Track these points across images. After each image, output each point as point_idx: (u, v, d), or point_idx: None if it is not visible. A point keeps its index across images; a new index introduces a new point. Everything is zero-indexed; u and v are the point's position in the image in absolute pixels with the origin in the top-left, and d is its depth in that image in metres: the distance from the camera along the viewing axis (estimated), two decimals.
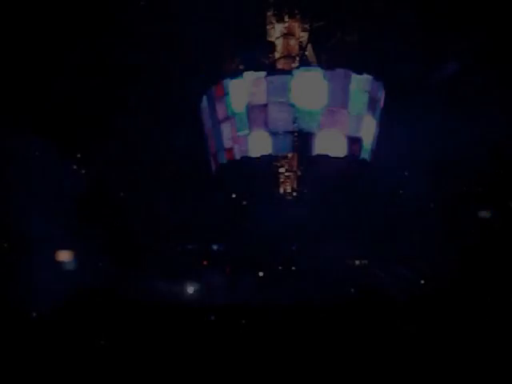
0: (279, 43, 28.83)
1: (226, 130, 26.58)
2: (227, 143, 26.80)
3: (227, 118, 26.35)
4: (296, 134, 24.78)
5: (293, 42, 28.76)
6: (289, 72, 25.19)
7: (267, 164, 28.77)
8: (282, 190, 30.49)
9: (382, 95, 26.29)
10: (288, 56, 28.59)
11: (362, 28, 27.43)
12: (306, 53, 28.85)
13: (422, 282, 25.87)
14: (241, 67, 28.52)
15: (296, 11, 28.15)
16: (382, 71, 26.87)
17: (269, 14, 28.03)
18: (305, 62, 28.25)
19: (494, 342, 14.63)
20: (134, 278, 21.69)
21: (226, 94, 26.19)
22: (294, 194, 29.94)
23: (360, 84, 25.11)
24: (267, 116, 25.03)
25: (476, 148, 24.35)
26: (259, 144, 25.56)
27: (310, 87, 24.72)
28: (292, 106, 24.69)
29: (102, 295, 20.53)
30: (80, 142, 24.96)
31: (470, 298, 21.19)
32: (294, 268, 27.56)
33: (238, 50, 27.68)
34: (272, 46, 28.74)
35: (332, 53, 28.39)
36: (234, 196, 28.84)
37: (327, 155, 25.51)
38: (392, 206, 26.66)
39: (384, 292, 25.08)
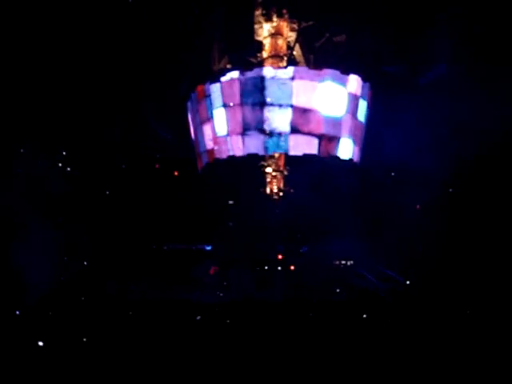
0: (267, 43, 28.74)
1: (207, 131, 26.67)
2: (208, 144, 26.88)
3: (208, 120, 26.44)
4: (268, 134, 25.26)
5: (281, 41, 28.68)
6: (259, 72, 25.22)
7: (253, 164, 28.77)
8: (268, 190, 30.52)
9: (366, 94, 26.30)
10: (276, 56, 28.49)
11: (350, 28, 27.54)
12: (294, 52, 28.84)
13: (408, 282, 26.01)
14: (228, 66, 28.52)
15: (284, 11, 28.08)
16: (371, 71, 27.05)
17: (257, 13, 27.91)
18: (293, 62, 28.26)
19: (485, 342, 14.70)
20: (119, 278, 21.51)
21: (207, 95, 26.32)
22: (281, 194, 29.97)
23: (336, 84, 25.16)
24: (241, 117, 25.08)
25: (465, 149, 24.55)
26: (236, 145, 25.62)
27: (280, 87, 24.85)
28: (263, 106, 24.69)
29: (87, 295, 20.34)
30: (65, 139, 24.70)
31: (458, 298, 21.30)
32: (279, 268, 27.55)
33: (226, 49, 27.57)
34: (260, 46, 28.66)
35: (320, 53, 28.44)
36: (219, 195, 28.69)
37: (315, 155, 25.59)
38: (379, 206, 26.74)
39: (370, 292, 25.18)
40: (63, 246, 20.21)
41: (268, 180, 30.27)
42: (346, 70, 25.89)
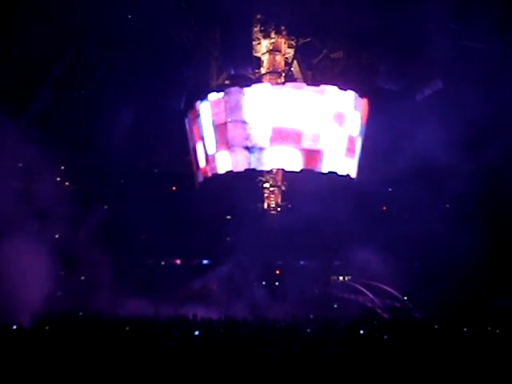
0: (265, 59, 28.99)
1: (200, 149, 27.43)
2: (201, 162, 27.62)
3: (200, 139, 27.19)
4: (250, 149, 25.54)
5: (279, 57, 28.93)
6: (240, 90, 25.72)
7: (251, 179, 28.88)
8: (266, 205, 30.56)
9: (359, 109, 26.41)
10: (274, 72, 28.76)
11: (347, 45, 27.78)
12: (292, 69, 29.04)
13: (405, 298, 26.00)
14: (227, 82, 28.69)
15: (282, 27, 28.33)
16: (368, 87, 27.20)
17: (255, 29, 28.12)
18: (290, 78, 28.47)
19: (486, 358, 14.61)
20: (116, 293, 21.48)
21: (198, 115, 27.06)
22: (279, 208, 30.01)
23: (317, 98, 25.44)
24: (227, 134, 25.81)
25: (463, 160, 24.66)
26: (224, 162, 26.36)
27: (259, 104, 25.31)
28: (245, 123, 25.36)
29: (83, 310, 20.30)
30: (63, 153, 24.76)
31: (456, 313, 21.29)
32: (277, 284, 27.55)
33: (225, 65, 27.74)
34: (258, 62, 28.88)
35: (318, 69, 28.68)
36: (217, 211, 28.75)
37: (312, 170, 25.71)
38: (376, 223, 26.78)
39: (367, 308, 25.16)
40: (60, 261, 20.16)
41: (266, 195, 30.39)
42: (344, 86, 26.12)
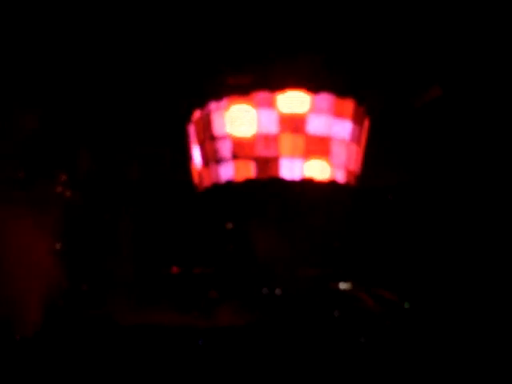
0: None
1: (193, 166, 28.06)
2: (195, 177, 28.08)
3: (191, 156, 27.93)
4: (219, 163, 26.45)
5: None
6: (208, 107, 26.63)
7: (250, 190, 28.93)
8: (265, 213, 30.48)
9: (356, 117, 26.55)
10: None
11: (344, 52, 27.83)
12: None
13: (406, 304, 26.00)
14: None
15: None
16: (365, 95, 27.27)
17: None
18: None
19: (487, 367, 14.77)
20: (117, 303, 21.52)
21: (188, 135, 27.90)
22: (278, 216, 29.94)
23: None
24: (205, 150, 26.86)
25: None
26: (204, 177, 27.36)
27: (218, 119, 26.29)
28: (213, 138, 26.35)
29: (87, 319, 20.33)
30: (65, 162, 24.79)
31: (457, 319, 21.32)
32: (278, 292, 27.52)
33: (223, 75, 27.83)
34: None
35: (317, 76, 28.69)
36: (218, 219, 28.76)
37: (310, 179, 25.83)
38: (376, 229, 26.83)
39: (369, 315, 25.16)
40: (63, 271, 20.24)
41: (265, 204, 30.31)
42: (341, 93, 26.25)
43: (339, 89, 26.59)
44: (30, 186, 22.10)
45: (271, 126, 25.73)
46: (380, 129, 26.11)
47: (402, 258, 25.28)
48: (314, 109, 25.72)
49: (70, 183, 25.67)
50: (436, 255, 25.02)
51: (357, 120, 26.41)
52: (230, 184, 26.61)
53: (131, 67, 26.00)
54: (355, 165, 26.65)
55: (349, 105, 26.19)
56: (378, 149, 26.05)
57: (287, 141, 25.72)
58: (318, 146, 25.79)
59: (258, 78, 28.39)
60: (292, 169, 25.85)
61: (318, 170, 25.86)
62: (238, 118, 25.95)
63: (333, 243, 25.30)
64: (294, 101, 25.69)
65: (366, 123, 26.93)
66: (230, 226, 28.99)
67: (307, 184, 25.72)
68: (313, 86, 28.06)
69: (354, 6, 24.47)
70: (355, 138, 26.51)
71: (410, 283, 25.07)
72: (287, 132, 25.70)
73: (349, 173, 26.49)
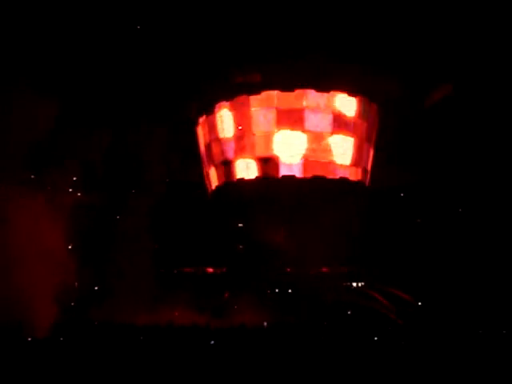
0: None
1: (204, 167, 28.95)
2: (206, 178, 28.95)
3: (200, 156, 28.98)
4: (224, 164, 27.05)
5: None
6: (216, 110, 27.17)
7: (263, 188, 28.93)
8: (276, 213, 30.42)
9: (368, 115, 26.47)
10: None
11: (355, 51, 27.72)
12: None
13: (419, 303, 25.83)
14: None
15: None
16: (377, 93, 27.15)
17: None
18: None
19: (498, 363, 14.56)
20: (129, 302, 21.51)
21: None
22: (290, 217, 29.88)
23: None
24: (213, 151, 27.56)
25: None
26: (213, 176, 28.01)
27: (224, 121, 26.87)
28: (219, 140, 26.96)
29: (98, 319, 20.34)
30: (75, 164, 24.82)
31: (470, 318, 21.15)
32: (290, 291, 27.44)
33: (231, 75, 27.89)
34: None
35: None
36: (229, 218, 28.76)
37: (323, 178, 25.74)
38: (389, 229, 26.69)
39: (381, 314, 25.01)
40: (74, 271, 20.24)
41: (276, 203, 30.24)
42: (353, 91, 26.13)
43: (350, 88, 26.54)
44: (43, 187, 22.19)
45: (270, 125, 25.93)
46: (390, 128, 25.97)
47: (415, 257, 25.13)
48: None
49: (84, 184, 25.84)
50: (448, 255, 24.88)
51: (369, 119, 26.33)
52: (239, 183, 26.56)
53: (144, 72, 26.18)
54: (368, 163, 26.57)
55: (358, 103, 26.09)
56: (388, 148, 25.94)
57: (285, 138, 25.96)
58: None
59: (266, 77, 28.53)
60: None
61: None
62: (243, 120, 26.17)
63: (346, 242, 25.14)
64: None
65: (377, 122, 26.85)
66: (241, 225, 29.05)
67: (319, 182, 25.63)
68: (323, 84, 28.11)
69: (367, 5, 24.40)
70: (368, 137, 26.43)
71: (423, 283, 24.93)
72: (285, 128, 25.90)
73: (362, 171, 26.41)
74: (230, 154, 26.78)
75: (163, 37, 26.02)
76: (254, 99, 25.89)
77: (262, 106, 25.83)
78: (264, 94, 26.02)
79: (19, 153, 20.03)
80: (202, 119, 27.51)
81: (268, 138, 25.74)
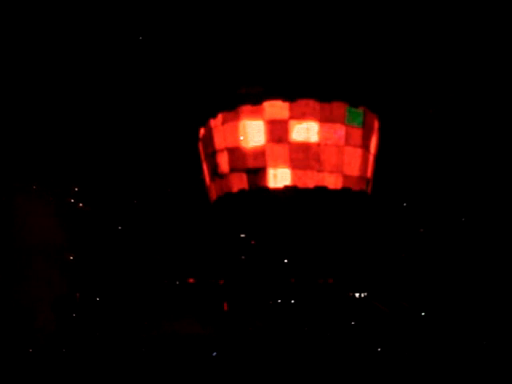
0: None
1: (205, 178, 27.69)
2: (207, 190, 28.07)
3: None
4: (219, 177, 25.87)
5: None
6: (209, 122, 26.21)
7: (263, 199, 28.89)
8: (279, 223, 30.38)
9: (369, 125, 26.44)
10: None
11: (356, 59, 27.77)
12: None
13: (423, 314, 25.72)
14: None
15: None
16: (377, 101, 27.13)
17: None
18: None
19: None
20: (130, 314, 21.46)
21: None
22: (292, 225, 29.82)
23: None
24: (209, 165, 26.48)
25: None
26: (217, 189, 26.46)
27: (215, 132, 25.69)
28: (215, 153, 25.73)
29: (99, 331, 20.27)
30: (76, 174, 24.85)
31: (475, 329, 21.05)
32: (293, 301, 27.34)
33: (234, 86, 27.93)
34: None
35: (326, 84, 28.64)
36: (231, 229, 28.71)
37: (324, 188, 25.67)
38: (392, 237, 26.63)
39: (385, 324, 24.91)
40: (74, 283, 20.22)
41: (277, 212, 30.20)
42: (355, 101, 26.08)
43: (350, 96, 26.50)
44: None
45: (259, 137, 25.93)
46: (390, 135, 25.91)
47: (418, 267, 25.05)
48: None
49: (86, 193, 25.88)
50: (452, 265, 24.80)
51: (367, 126, 26.28)
52: (240, 195, 26.54)
53: (145, 81, 26.22)
54: (368, 171, 26.49)
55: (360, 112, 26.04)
56: (388, 155, 25.86)
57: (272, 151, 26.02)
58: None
59: (268, 88, 28.53)
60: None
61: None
62: (232, 132, 26.22)
63: (347, 252, 25.09)
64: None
65: (377, 129, 26.80)
66: (242, 236, 29.02)
67: (320, 192, 25.56)
68: (323, 94, 28.13)
69: (366, 12, 24.39)
70: (365, 144, 26.36)
71: (427, 293, 24.82)
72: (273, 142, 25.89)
73: (362, 180, 26.32)
74: (225, 167, 26.84)
75: (159, 50, 26.10)
76: (245, 110, 25.93)
77: (254, 118, 25.86)
78: (259, 105, 26.11)
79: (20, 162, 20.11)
80: (201, 133, 27.55)
81: (259, 150, 25.76)
